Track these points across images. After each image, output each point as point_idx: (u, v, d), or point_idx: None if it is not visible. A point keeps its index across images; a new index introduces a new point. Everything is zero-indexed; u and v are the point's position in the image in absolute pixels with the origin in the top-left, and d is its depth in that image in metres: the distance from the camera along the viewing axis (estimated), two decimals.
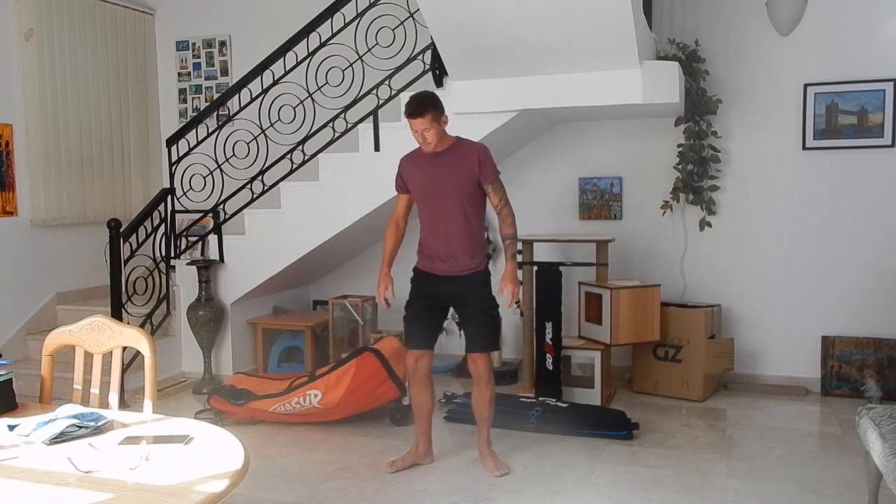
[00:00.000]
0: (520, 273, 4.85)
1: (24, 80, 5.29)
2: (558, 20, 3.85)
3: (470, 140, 3.59)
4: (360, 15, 4.69)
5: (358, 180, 4.74)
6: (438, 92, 4.57)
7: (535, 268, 4.70)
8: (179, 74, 6.36)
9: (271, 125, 4.95)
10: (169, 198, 5.21)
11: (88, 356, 2.58)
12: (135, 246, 4.89)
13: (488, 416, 3.60)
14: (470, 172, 3.44)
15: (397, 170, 3.61)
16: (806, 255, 4.87)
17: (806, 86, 4.77)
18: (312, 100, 4.90)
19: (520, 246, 4.85)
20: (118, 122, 6.04)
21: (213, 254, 5.17)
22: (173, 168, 5.23)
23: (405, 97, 4.39)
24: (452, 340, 5.31)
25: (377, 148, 4.74)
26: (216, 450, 1.99)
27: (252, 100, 5.06)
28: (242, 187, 5.14)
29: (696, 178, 4.94)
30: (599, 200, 5.28)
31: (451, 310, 3.75)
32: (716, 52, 4.90)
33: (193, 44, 6.28)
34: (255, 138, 5.11)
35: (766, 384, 4.92)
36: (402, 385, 4.15)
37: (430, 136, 3.38)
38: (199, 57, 6.29)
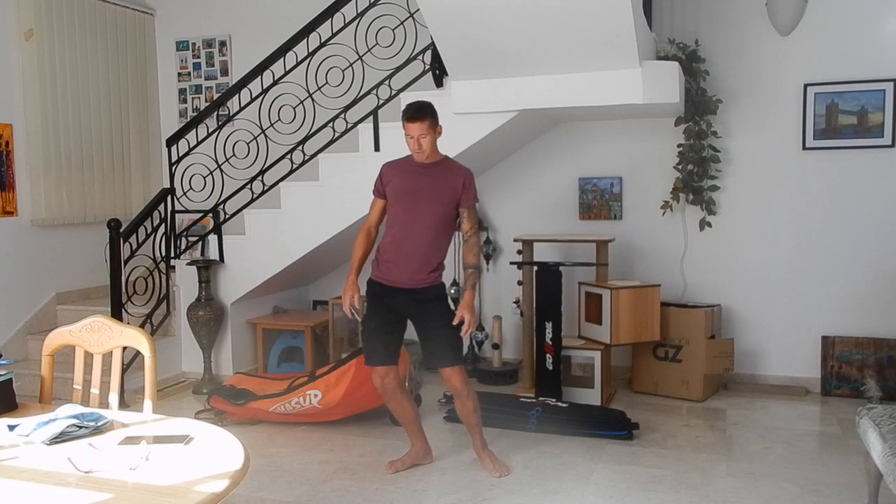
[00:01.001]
0: (519, 273, 4.92)
1: (24, 80, 5.28)
2: (558, 20, 3.85)
3: (458, 162, 3.59)
4: (360, 15, 4.69)
5: (358, 180, 4.73)
6: (438, 92, 4.60)
7: (535, 268, 4.70)
8: (179, 74, 6.36)
9: (271, 125, 4.95)
10: (169, 198, 5.21)
11: (88, 356, 2.58)
12: (135, 246, 4.89)
13: (476, 421, 3.59)
14: (452, 192, 3.44)
15: (378, 174, 3.59)
16: (806, 254, 4.87)
17: (806, 86, 4.77)
18: (312, 100, 4.90)
19: (520, 246, 4.89)
20: (118, 122, 6.04)
21: (213, 254, 5.17)
22: (173, 168, 5.23)
23: (405, 97, 4.41)
24: None
25: (377, 148, 4.74)
26: (216, 450, 1.99)
27: (252, 100, 5.06)
28: (242, 187, 5.14)
29: (696, 178, 4.94)
30: (599, 200, 5.28)
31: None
32: (716, 52, 4.90)
33: (193, 44, 6.28)
34: (255, 138, 5.11)
35: (766, 384, 4.92)
36: None
37: (426, 144, 3.38)
38: (199, 57, 6.29)
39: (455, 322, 3.40)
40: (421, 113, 3.35)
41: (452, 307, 3.52)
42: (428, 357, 3.55)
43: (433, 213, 3.43)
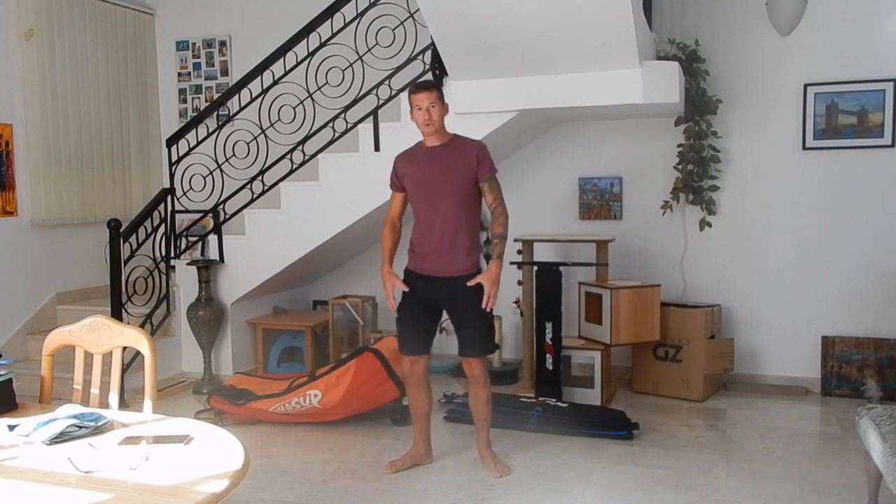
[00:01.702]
0: (520, 273, 4.91)
1: (24, 80, 5.28)
2: (558, 20, 3.85)
3: (468, 137, 3.58)
4: (360, 15, 4.69)
5: (358, 180, 4.74)
6: None
7: (535, 268, 4.70)
8: (179, 74, 6.36)
9: (271, 125, 4.95)
10: (169, 198, 5.21)
11: (88, 356, 2.58)
12: (135, 246, 4.89)
13: (486, 416, 3.59)
14: (468, 168, 3.42)
15: (392, 168, 3.59)
16: (806, 255, 4.87)
17: (806, 86, 4.77)
18: (312, 100, 4.90)
19: (520, 246, 4.88)
20: (118, 122, 6.04)
21: (213, 254, 5.17)
22: (173, 168, 5.23)
23: (405, 97, 4.41)
24: (452, 340, 5.26)
25: (377, 148, 4.74)
26: (216, 450, 1.99)
27: (252, 100, 5.05)
28: (242, 187, 5.14)
29: (696, 178, 4.94)
30: (599, 200, 5.28)
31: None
32: (716, 52, 4.90)
33: (193, 44, 6.28)
34: (255, 138, 5.11)
35: (766, 384, 4.92)
36: (402, 385, 4.13)
37: (436, 115, 3.39)
38: (199, 57, 6.29)
39: (470, 283, 3.38)
40: (430, 83, 3.45)
41: None
42: (460, 345, 3.54)
43: (453, 195, 3.41)
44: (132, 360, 4.66)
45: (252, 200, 5.14)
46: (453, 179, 3.42)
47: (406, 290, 3.50)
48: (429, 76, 4.69)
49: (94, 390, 2.57)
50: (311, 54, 4.88)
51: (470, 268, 3.46)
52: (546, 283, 4.58)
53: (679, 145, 4.96)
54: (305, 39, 4.85)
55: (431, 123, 3.39)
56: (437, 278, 3.47)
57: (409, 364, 3.56)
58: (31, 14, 5.27)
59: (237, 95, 5.11)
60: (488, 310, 3.41)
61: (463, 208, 3.44)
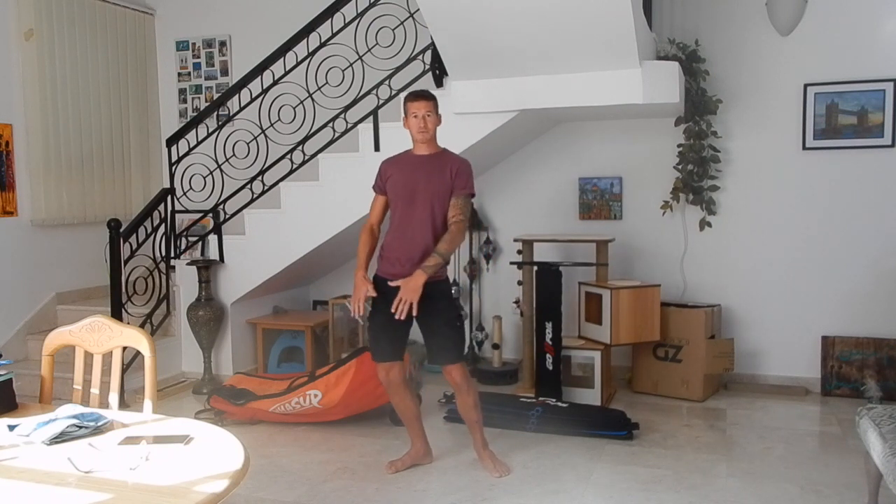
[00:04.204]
0: (519, 273, 4.91)
1: (24, 80, 5.28)
2: (559, 20, 3.86)
3: (456, 154, 3.61)
4: (360, 15, 4.69)
5: (358, 180, 4.73)
6: (438, 92, 4.57)
7: (535, 268, 4.70)
8: (179, 74, 6.36)
9: (271, 125, 4.95)
10: (169, 198, 5.21)
11: (88, 356, 2.58)
12: (135, 246, 4.89)
13: (477, 418, 3.59)
14: (447, 182, 3.45)
15: (377, 171, 3.61)
16: (806, 254, 4.87)
17: (806, 86, 4.77)
18: (312, 100, 4.90)
19: (520, 246, 4.88)
20: (118, 122, 6.04)
21: (213, 254, 5.17)
22: (173, 168, 5.23)
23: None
24: None
25: (377, 148, 4.74)
26: (216, 450, 1.99)
27: (252, 100, 5.05)
28: (242, 187, 5.14)
29: (696, 178, 4.94)
30: (599, 200, 5.28)
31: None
32: (716, 52, 4.90)
33: (193, 44, 6.28)
34: (255, 138, 5.11)
35: (766, 384, 4.92)
36: None
37: (431, 124, 3.43)
38: (199, 57, 6.29)
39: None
40: (427, 93, 3.48)
41: (460, 303, 3.51)
42: (430, 354, 3.56)
43: (430, 205, 3.43)
44: (132, 360, 4.66)
45: (252, 200, 5.14)
46: (433, 189, 3.43)
47: (375, 295, 3.44)
48: (429, 76, 4.69)
49: (94, 390, 2.57)
50: (311, 54, 4.88)
51: (438, 276, 3.45)
52: (546, 283, 4.58)
53: (679, 145, 4.96)
54: (305, 39, 4.85)
55: (426, 132, 3.43)
56: None
57: (384, 373, 3.53)
58: (31, 14, 5.27)
59: (237, 95, 5.11)
60: (397, 317, 3.29)
61: (436, 219, 3.45)
